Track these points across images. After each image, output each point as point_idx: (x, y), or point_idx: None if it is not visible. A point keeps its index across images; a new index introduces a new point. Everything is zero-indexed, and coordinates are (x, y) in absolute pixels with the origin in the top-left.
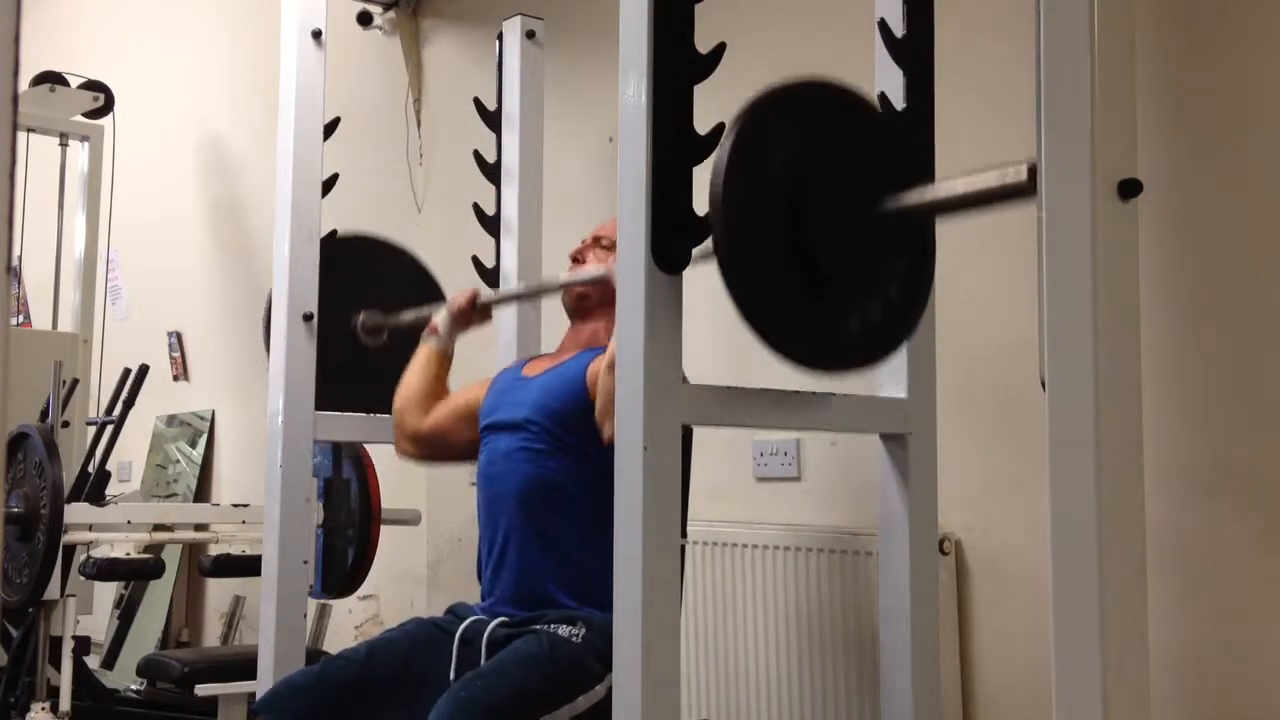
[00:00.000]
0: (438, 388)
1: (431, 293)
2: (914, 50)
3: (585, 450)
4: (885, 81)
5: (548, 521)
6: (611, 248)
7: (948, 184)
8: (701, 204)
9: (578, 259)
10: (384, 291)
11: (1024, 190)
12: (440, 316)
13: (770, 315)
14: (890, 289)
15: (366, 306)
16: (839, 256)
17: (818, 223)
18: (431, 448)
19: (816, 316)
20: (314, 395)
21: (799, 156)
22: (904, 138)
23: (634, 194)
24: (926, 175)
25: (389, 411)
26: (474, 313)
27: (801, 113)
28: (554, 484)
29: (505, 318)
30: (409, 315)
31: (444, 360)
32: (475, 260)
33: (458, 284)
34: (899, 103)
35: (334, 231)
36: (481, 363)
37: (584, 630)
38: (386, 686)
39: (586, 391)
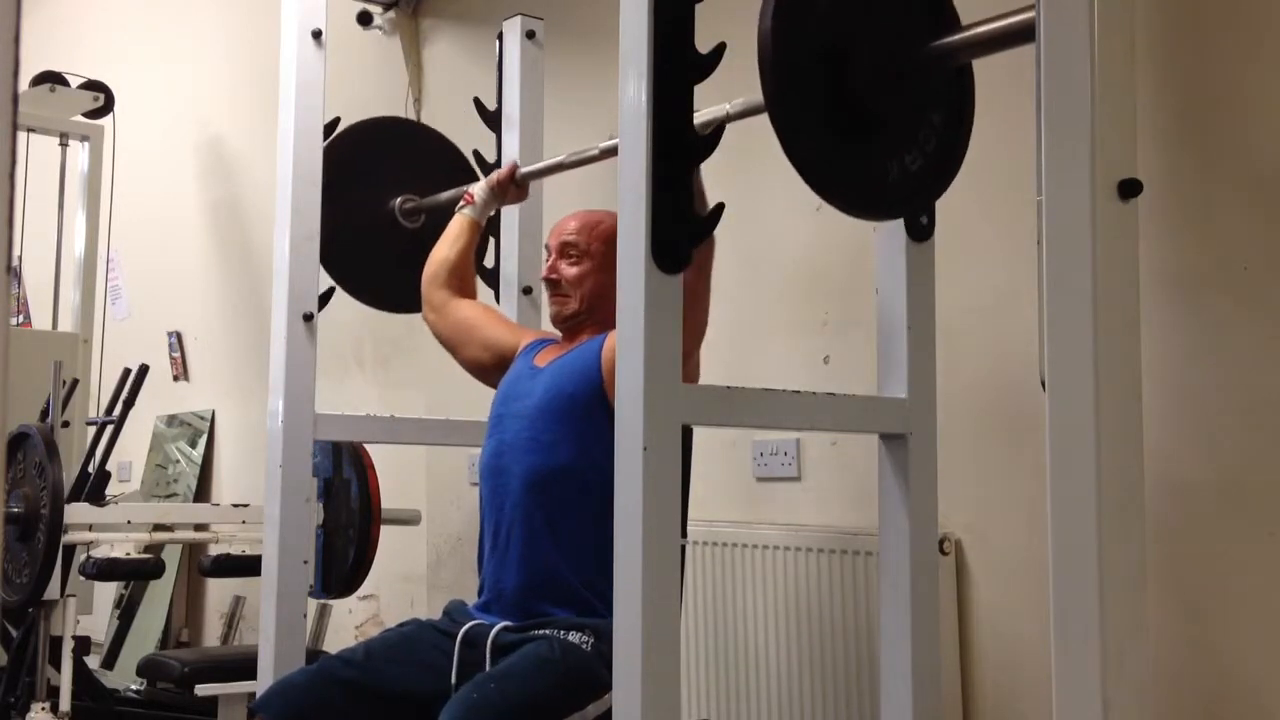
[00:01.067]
0: (464, 260)
1: (460, 170)
2: None
3: (596, 435)
4: None
5: (554, 509)
6: (582, 256)
7: (980, 26)
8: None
9: (552, 277)
10: (416, 172)
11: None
12: (478, 187)
13: (816, 158)
14: (929, 141)
15: (401, 189)
16: (882, 104)
17: (862, 69)
18: (440, 334)
19: (859, 161)
20: (314, 395)
21: (841, 4)
22: None
23: (634, 194)
24: (955, 23)
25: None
26: (513, 185)
27: None
28: (561, 473)
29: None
30: (446, 195)
31: (476, 230)
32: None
33: None
34: None
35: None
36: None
37: (593, 639)
38: (384, 687)
39: (600, 370)
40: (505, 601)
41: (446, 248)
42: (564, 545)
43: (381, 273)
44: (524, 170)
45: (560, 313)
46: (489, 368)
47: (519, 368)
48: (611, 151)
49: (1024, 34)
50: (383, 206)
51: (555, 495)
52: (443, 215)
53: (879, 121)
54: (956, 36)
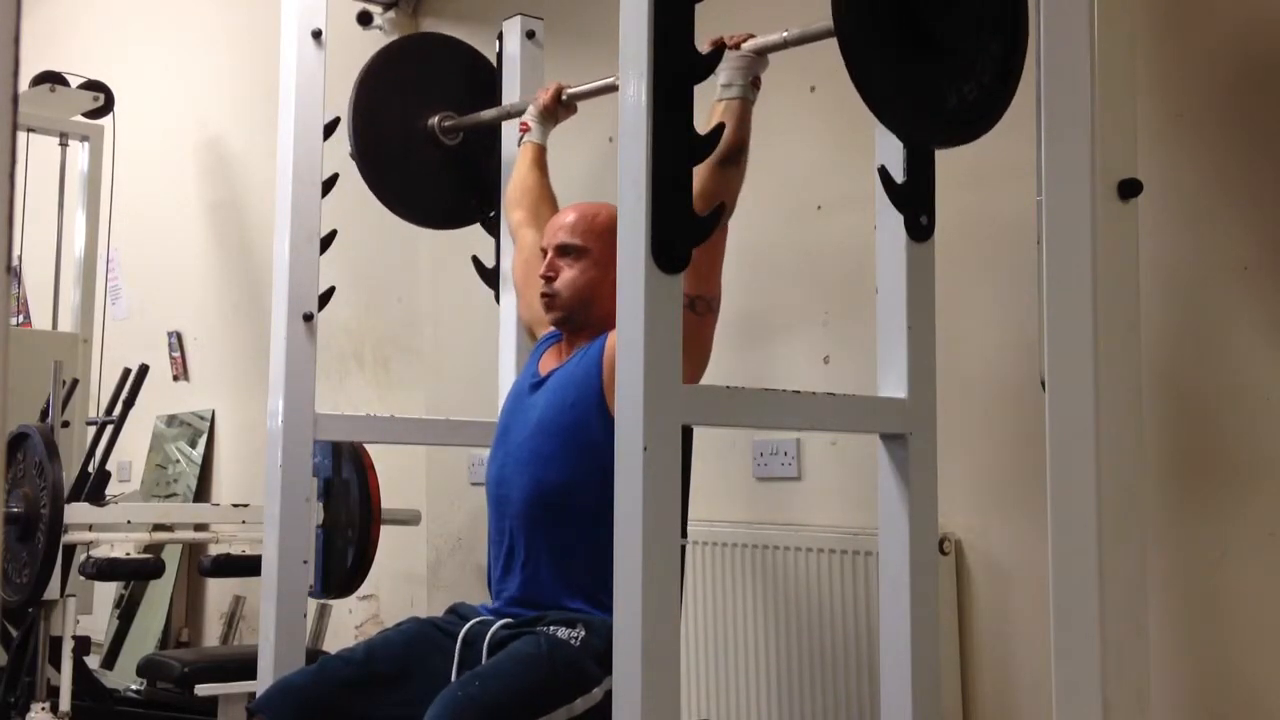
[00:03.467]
0: (532, 181)
1: (495, 84)
2: None
3: (595, 446)
4: None
5: (556, 526)
6: (581, 253)
7: None
8: None
9: (549, 275)
10: (451, 88)
11: None
12: (529, 115)
13: (878, 82)
14: (985, 73)
15: (438, 106)
16: (942, 26)
17: None
18: (515, 267)
19: (920, 86)
20: (314, 395)
21: None
22: None
23: (634, 194)
24: None
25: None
26: (560, 107)
27: None
28: (562, 487)
29: (506, 320)
30: (486, 115)
31: (540, 153)
32: (475, 260)
33: (460, 283)
34: None
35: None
36: (488, 363)
37: (583, 632)
38: (384, 686)
39: (601, 375)
40: (510, 608)
41: (516, 175)
42: (566, 564)
43: (425, 190)
44: (571, 91)
45: (555, 318)
46: (526, 328)
47: (524, 377)
48: None
49: None
50: (421, 123)
51: (555, 512)
52: (481, 133)
53: (940, 48)
54: None
